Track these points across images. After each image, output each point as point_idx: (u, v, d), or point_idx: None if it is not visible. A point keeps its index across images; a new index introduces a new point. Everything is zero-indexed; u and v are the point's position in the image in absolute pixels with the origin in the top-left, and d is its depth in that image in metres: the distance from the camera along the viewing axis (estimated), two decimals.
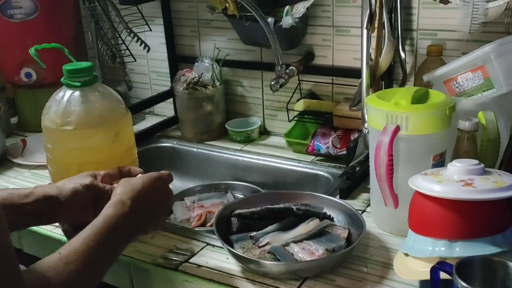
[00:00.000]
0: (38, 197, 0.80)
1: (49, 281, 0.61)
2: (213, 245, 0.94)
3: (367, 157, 1.07)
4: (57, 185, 0.82)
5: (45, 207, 0.80)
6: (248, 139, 1.41)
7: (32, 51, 0.91)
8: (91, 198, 0.82)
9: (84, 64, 0.92)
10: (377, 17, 1.02)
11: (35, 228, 1.03)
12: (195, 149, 1.41)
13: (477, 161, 0.75)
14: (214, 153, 1.39)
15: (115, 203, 0.75)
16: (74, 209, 0.82)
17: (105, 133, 0.92)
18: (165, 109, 1.59)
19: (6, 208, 0.79)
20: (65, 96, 0.91)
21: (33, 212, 0.79)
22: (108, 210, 0.74)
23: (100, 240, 0.69)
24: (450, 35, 1.13)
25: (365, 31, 0.98)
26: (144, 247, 0.94)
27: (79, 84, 0.90)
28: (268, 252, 0.85)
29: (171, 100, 1.55)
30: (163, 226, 0.87)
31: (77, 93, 0.91)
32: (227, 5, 1.14)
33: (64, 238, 0.99)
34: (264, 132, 1.47)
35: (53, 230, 1.02)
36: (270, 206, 0.94)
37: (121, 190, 0.77)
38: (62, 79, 0.92)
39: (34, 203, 0.79)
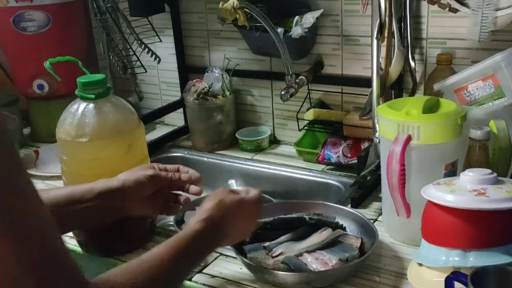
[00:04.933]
0: (101, 190, 0.79)
1: (123, 285, 0.57)
2: (226, 255, 0.94)
3: (378, 166, 1.08)
4: (119, 177, 0.82)
5: (109, 201, 0.80)
6: (258, 148, 1.42)
7: (47, 64, 0.93)
8: (152, 190, 0.83)
9: (98, 76, 0.93)
10: (386, 27, 1.02)
11: None
12: (206, 159, 1.42)
13: (489, 171, 0.76)
14: (225, 162, 1.40)
15: (205, 220, 0.73)
16: (137, 201, 0.82)
17: (119, 144, 0.93)
18: (175, 119, 1.60)
19: (70, 205, 0.78)
20: (80, 108, 0.92)
21: (97, 207, 0.79)
22: (197, 225, 0.72)
23: (185, 253, 0.68)
24: (459, 44, 1.14)
25: (375, 41, 0.99)
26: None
27: (93, 96, 0.91)
28: (282, 262, 0.85)
29: (181, 109, 1.56)
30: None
31: (91, 105, 0.92)
32: (237, 16, 1.15)
33: (78, 249, 1.01)
34: (274, 141, 1.47)
35: (68, 241, 1.03)
36: (282, 216, 0.95)
37: (211, 206, 0.75)
38: (76, 92, 0.93)
39: (98, 197, 0.79)
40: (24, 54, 1.48)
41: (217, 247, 0.79)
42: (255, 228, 0.83)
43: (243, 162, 1.37)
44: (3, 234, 0.45)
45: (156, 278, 0.61)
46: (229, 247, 0.89)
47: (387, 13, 1.02)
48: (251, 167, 1.35)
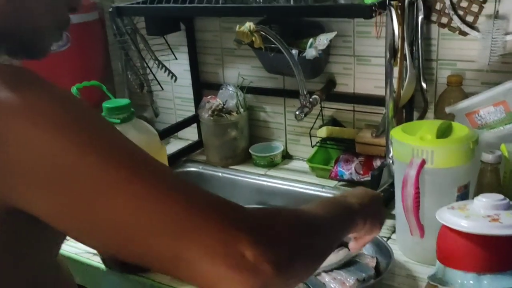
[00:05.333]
0: None
1: (273, 220, 0.54)
2: None
3: (391, 185, 1.11)
4: None
5: None
6: (271, 164, 1.46)
7: (74, 90, 0.97)
8: None
9: (123, 101, 0.97)
10: (399, 51, 1.06)
11: (73, 255, 1.08)
12: (220, 174, 1.46)
13: (502, 196, 0.79)
14: (239, 177, 1.43)
15: (359, 204, 0.74)
16: None
17: None
18: (189, 133, 1.64)
19: None
20: None
21: None
22: (347, 198, 0.73)
23: (339, 216, 0.67)
24: (469, 65, 1.17)
25: (388, 66, 1.03)
26: None
27: (118, 121, 0.95)
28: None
29: (195, 124, 1.60)
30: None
31: None
32: (253, 38, 1.18)
33: (102, 266, 1.04)
34: (286, 156, 1.51)
35: (91, 258, 1.07)
36: None
37: (365, 195, 0.77)
38: None
39: None
40: (43, 72, 1.50)
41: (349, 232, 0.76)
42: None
43: (257, 177, 1.41)
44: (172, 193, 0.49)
45: (303, 228, 0.58)
46: None
47: (400, 37, 1.05)
48: (265, 183, 1.39)
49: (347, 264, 0.92)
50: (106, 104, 0.97)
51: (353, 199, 0.74)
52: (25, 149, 0.46)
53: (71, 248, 1.09)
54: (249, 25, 1.17)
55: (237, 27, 1.19)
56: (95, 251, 1.07)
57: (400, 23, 1.02)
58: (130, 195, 0.47)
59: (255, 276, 0.47)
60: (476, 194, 0.92)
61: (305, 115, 1.22)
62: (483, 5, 1.11)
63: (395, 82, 1.12)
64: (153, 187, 0.48)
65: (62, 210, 0.48)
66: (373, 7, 0.97)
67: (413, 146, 0.90)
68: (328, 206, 0.67)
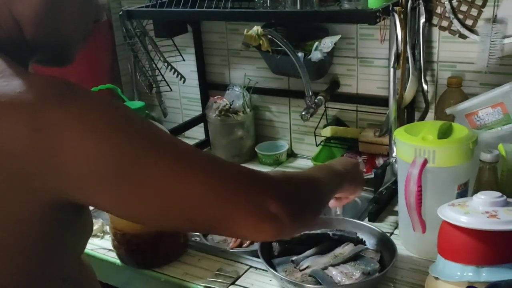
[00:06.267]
0: None
1: (289, 181, 0.69)
2: (256, 268, 1.02)
3: (394, 183, 1.16)
4: None
5: None
6: (277, 162, 1.50)
7: None
8: None
9: (137, 104, 1.01)
10: (402, 55, 1.10)
11: (89, 251, 1.12)
12: None
13: (500, 194, 0.84)
14: None
15: (344, 168, 0.91)
16: None
17: None
18: (196, 132, 1.68)
19: None
20: None
21: None
22: (335, 165, 0.91)
23: (332, 179, 0.84)
24: (468, 67, 1.22)
25: (391, 70, 1.07)
26: (192, 269, 1.03)
27: None
28: (309, 276, 0.94)
29: (202, 123, 1.64)
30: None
31: None
32: (260, 42, 1.23)
33: (118, 261, 1.09)
34: (291, 154, 1.55)
35: (107, 254, 1.11)
36: (308, 232, 1.03)
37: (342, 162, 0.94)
38: None
39: None
40: (52, 73, 1.56)
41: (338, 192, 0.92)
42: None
43: None
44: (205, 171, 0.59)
45: (312, 186, 0.76)
46: (256, 259, 0.99)
47: (402, 41, 1.10)
48: None
49: (353, 259, 0.96)
50: None
51: (340, 166, 0.91)
52: (80, 153, 0.53)
53: (88, 245, 1.13)
54: (257, 29, 1.21)
55: (245, 31, 1.23)
56: (110, 247, 1.11)
57: (403, 28, 1.06)
58: (178, 179, 0.57)
59: (277, 223, 0.62)
60: (475, 191, 0.97)
61: (311, 115, 1.26)
62: (482, 9, 1.16)
63: (397, 84, 1.17)
64: (195, 170, 0.58)
65: (122, 200, 0.57)
66: (378, 13, 1.01)
67: (416, 146, 0.94)
68: (324, 171, 0.86)
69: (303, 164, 1.50)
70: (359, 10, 1.06)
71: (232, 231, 0.64)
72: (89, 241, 1.05)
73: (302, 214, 0.68)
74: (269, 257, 1.01)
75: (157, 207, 0.58)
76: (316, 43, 1.27)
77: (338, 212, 1.09)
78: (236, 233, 0.67)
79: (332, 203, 1.00)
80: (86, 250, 1.11)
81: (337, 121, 1.44)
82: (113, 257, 1.10)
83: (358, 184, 0.95)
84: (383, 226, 1.13)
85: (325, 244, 1.01)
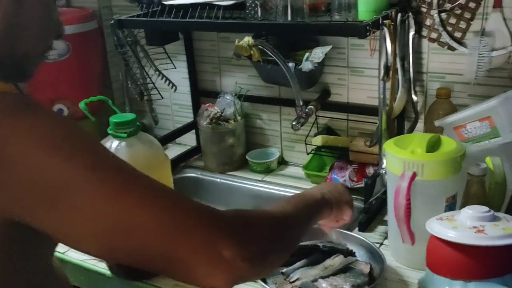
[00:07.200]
0: None
1: (247, 222, 0.62)
2: None
3: (384, 193, 1.17)
4: None
5: None
6: (267, 170, 1.51)
7: (82, 105, 1.01)
8: None
9: (129, 116, 1.01)
10: (392, 67, 1.11)
11: (78, 261, 1.12)
12: (218, 180, 1.51)
13: (487, 208, 0.85)
14: (237, 183, 1.48)
15: (322, 194, 0.85)
16: None
17: None
18: (187, 139, 1.68)
19: None
20: (113, 146, 1.00)
21: None
22: (319, 196, 0.84)
23: (304, 209, 0.77)
24: (457, 78, 1.23)
25: (381, 82, 1.08)
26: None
27: (125, 135, 0.99)
28: None
29: (193, 130, 1.64)
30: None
31: (123, 143, 1.00)
32: (251, 52, 1.23)
33: (108, 272, 1.09)
34: (281, 162, 1.56)
35: (97, 264, 1.11)
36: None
37: (328, 189, 0.89)
38: (109, 131, 1.01)
39: None
40: (44, 81, 1.55)
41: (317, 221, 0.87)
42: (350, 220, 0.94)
43: (254, 183, 1.46)
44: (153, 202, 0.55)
45: (275, 224, 0.67)
46: None
47: (392, 54, 1.11)
48: (262, 189, 1.44)
49: (343, 271, 0.97)
50: (113, 119, 1.01)
51: (317, 191, 0.85)
52: (24, 168, 0.52)
53: (78, 254, 1.13)
54: (248, 39, 1.22)
55: (236, 41, 1.24)
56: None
57: (393, 41, 1.07)
58: (120, 205, 0.54)
59: (232, 272, 0.56)
60: (463, 204, 0.98)
61: (302, 125, 1.27)
62: (470, 22, 1.17)
63: (387, 94, 1.17)
64: (140, 197, 0.54)
65: (60, 221, 0.54)
66: (368, 27, 1.02)
67: (405, 160, 0.95)
68: (294, 202, 0.77)
69: (294, 172, 1.50)
70: (350, 23, 1.06)
71: (181, 273, 0.57)
72: (78, 251, 1.04)
73: (264, 256, 0.61)
74: None
75: (96, 234, 0.54)
76: (307, 53, 1.28)
77: (334, 237, 1.06)
78: (186, 276, 0.57)
79: (323, 225, 0.95)
80: (75, 261, 1.12)
81: (328, 130, 1.45)
82: (103, 268, 1.10)
83: (343, 206, 0.90)
84: (373, 236, 1.14)
85: (315, 256, 1.02)
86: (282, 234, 0.67)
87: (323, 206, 0.84)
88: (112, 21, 1.34)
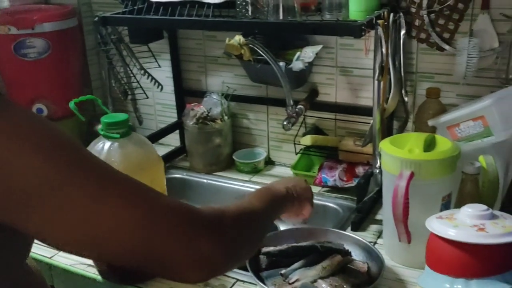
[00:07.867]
0: None
1: (222, 219, 0.64)
2: (243, 281, 1.01)
3: (377, 193, 1.17)
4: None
5: None
6: (254, 170, 1.49)
7: (72, 105, 0.97)
8: None
9: (121, 116, 0.98)
10: (386, 68, 1.12)
11: (68, 267, 1.08)
12: (205, 180, 1.49)
13: (485, 207, 0.86)
14: (224, 184, 1.46)
15: (286, 189, 0.90)
16: None
17: (142, 181, 0.98)
18: (171, 139, 1.65)
19: None
20: (105, 147, 0.96)
21: None
22: (283, 191, 0.88)
23: (270, 203, 0.81)
24: (446, 78, 1.25)
25: (376, 82, 1.08)
26: (177, 284, 1.00)
27: (118, 136, 0.96)
28: None
29: (177, 130, 1.61)
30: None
31: (116, 144, 0.97)
32: (242, 51, 1.22)
33: (99, 277, 1.05)
34: (268, 162, 1.55)
35: (86, 269, 1.07)
36: (296, 244, 1.03)
37: (290, 184, 0.93)
38: (100, 131, 0.97)
39: None
40: (23, 80, 1.50)
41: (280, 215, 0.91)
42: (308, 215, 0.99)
43: (242, 183, 1.45)
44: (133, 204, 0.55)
45: (245, 218, 0.71)
46: (243, 272, 0.98)
47: (386, 54, 1.11)
48: (249, 189, 1.42)
49: (342, 271, 0.97)
50: (104, 119, 0.97)
51: (282, 186, 0.89)
52: (5, 170, 0.50)
53: (66, 259, 1.09)
54: (239, 38, 1.20)
55: (227, 40, 1.22)
56: (90, 262, 1.08)
57: (386, 41, 1.07)
58: (101, 205, 0.54)
59: (211, 266, 0.60)
60: (457, 202, 1.00)
61: (293, 125, 1.26)
62: (459, 23, 1.19)
63: (380, 92, 1.18)
64: (120, 196, 0.55)
65: (43, 222, 0.53)
66: (363, 26, 1.02)
67: (402, 159, 0.96)
68: (260, 196, 0.81)
69: (281, 171, 1.50)
70: (345, 23, 1.06)
71: (163, 270, 0.59)
72: (67, 256, 1.02)
73: (237, 251, 0.65)
74: (257, 270, 1.00)
75: (78, 234, 0.54)
76: (298, 52, 1.27)
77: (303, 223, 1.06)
78: (168, 273, 0.60)
79: (285, 218, 0.98)
80: (64, 266, 1.08)
81: (316, 130, 1.44)
82: (93, 272, 1.06)
83: (304, 202, 0.94)
84: (366, 236, 1.15)
85: (313, 256, 1.01)
86: (252, 228, 0.72)
87: (287, 200, 0.88)
88: (96, 18, 1.30)
